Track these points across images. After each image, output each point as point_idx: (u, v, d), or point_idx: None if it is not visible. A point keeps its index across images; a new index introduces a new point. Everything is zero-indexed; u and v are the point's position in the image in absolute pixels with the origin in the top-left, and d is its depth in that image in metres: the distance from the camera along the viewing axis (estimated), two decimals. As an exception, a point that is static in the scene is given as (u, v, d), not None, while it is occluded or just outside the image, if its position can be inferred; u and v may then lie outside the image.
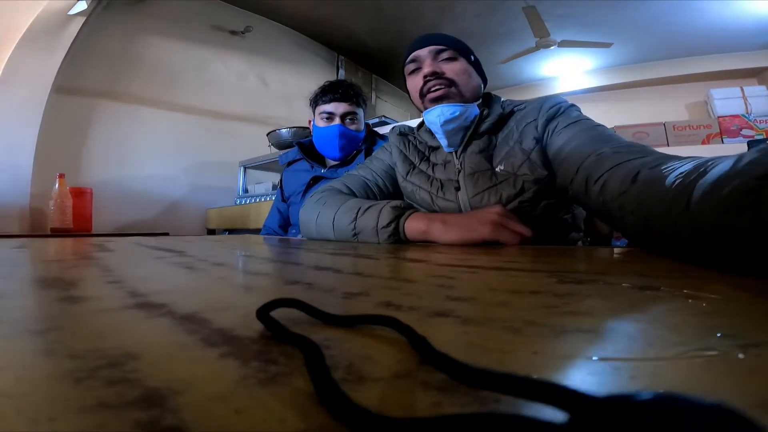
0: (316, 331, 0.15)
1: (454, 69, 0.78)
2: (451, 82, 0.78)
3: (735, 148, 2.93)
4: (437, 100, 0.78)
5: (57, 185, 1.81)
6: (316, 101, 1.25)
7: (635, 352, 0.13)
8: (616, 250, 0.53)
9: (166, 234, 2.06)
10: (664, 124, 3.18)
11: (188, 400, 0.09)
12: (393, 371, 0.11)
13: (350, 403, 0.08)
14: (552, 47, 3.17)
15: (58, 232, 1.77)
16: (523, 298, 0.22)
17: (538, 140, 0.73)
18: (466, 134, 0.79)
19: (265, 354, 0.13)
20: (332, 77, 3.48)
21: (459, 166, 0.80)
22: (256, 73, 2.94)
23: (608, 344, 0.14)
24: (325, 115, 1.22)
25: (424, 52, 0.80)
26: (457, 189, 0.79)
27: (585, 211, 0.72)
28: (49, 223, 1.80)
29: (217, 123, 2.71)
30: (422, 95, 0.80)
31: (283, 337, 0.14)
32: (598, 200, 0.55)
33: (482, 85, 0.84)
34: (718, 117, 3.08)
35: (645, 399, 0.06)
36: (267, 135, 2.33)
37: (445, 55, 0.79)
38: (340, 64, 3.55)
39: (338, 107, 1.20)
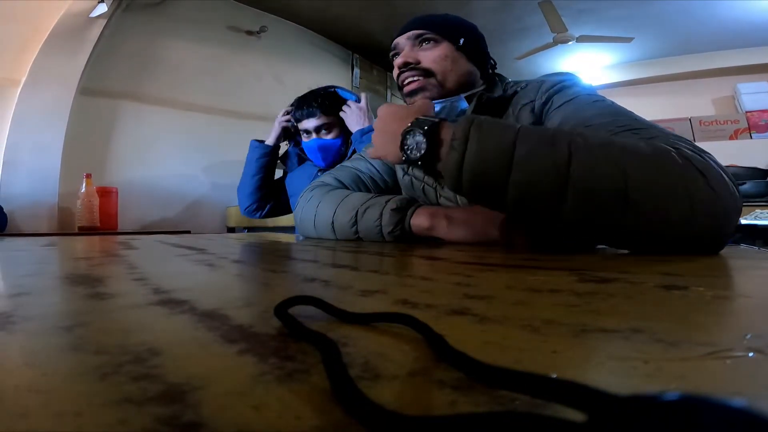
0: (333, 329, 0.15)
1: (431, 56, 0.69)
2: (427, 72, 0.69)
3: (764, 143, 2.82)
4: (412, 94, 0.70)
5: (84, 185, 1.86)
6: (295, 118, 1.31)
7: (659, 353, 0.12)
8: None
9: (188, 232, 2.10)
10: (689, 119, 3.08)
11: (207, 396, 0.09)
12: (409, 369, 0.11)
13: (366, 401, 0.08)
14: (570, 42, 3.10)
15: (85, 231, 1.83)
16: (542, 297, 0.22)
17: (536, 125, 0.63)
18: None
19: (283, 351, 0.13)
20: (347, 76, 3.49)
21: None
22: (273, 72, 2.97)
23: (631, 344, 0.13)
24: (304, 133, 1.29)
25: (402, 39, 0.72)
26: None
27: None
28: (77, 222, 1.86)
29: (236, 122, 2.75)
30: (400, 88, 0.72)
31: (301, 335, 0.14)
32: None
33: (477, 72, 0.74)
34: (746, 112, 2.97)
35: (667, 400, 0.06)
36: (284, 134, 2.35)
37: (425, 39, 0.70)
38: (354, 63, 3.55)
39: (309, 123, 1.26)
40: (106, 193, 2.02)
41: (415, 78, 0.69)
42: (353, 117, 1.21)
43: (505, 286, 0.26)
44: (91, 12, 2.01)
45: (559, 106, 0.61)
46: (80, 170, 1.91)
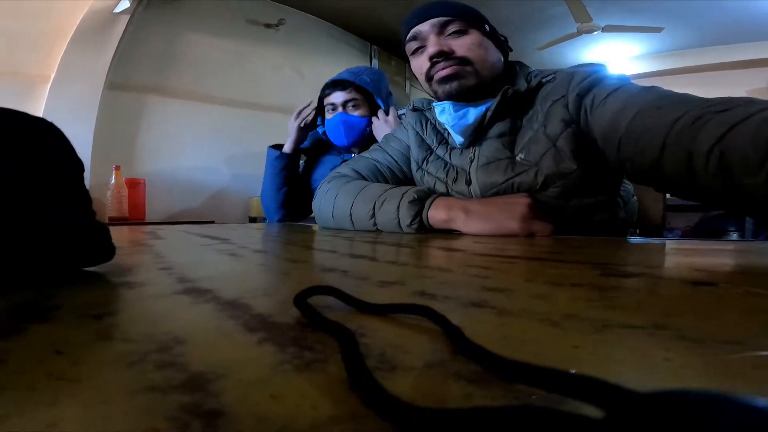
0: (350, 319, 0.16)
1: (464, 44, 0.66)
2: (463, 60, 0.66)
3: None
4: (446, 81, 0.67)
5: (114, 176, 1.93)
6: (322, 97, 1.26)
7: (683, 350, 0.12)
8: (670, 243, 0.50)
9: (212, 222, 2.16)
10: (724, 111, 2.93)
11: (229, 385, 0.10)
12: (426, 361, 0.12)
13: (382, 392, 0.09)
14: (596, 32, 2.99)
15: (115, 221, 1.90)
16: (563, 291, 0.21)
17: (569, 123, 0.61)
18: (484, 121, 0.67)
19: (302, 340, 0.13)
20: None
21: (472, 154, 0.69)
22: (292, 64, 2.99)
23: (654, 341, 0.13)
24: (330, 107, 1.24)
25: (425, 27, 0.68)
26: (468, 183, 0.69)
27: (679, 197, 0.49)
28: (107, 212, 1.93)
29: (256, 114, 2.79)
30: (429, 78, 0.69)
31: (319, 324, 0.14)
32: (715, 181, 0.40)
33: (502, 59, 0.71)
34: (782, 104, 2.81)
35: (686, 397, 0.06)
36: (304, 125, 2.37)
37: (451, 28, 0.66)
38: (373, 54, 3.54)
39: (337, 97, 1.22)
40: (134, 185, 2.08)
41: (451, 65, 0.66)
42: (380, 129, 1.18)
43: (524, 279, 0.25)
44: (114, 8, 2.06)
45: (605, 98, 0.57)
46: (109, 162, 1.98)
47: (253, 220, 2.58)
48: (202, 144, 2.58)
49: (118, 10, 2.06)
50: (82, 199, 0.26)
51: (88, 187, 0.26)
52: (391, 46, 3.59)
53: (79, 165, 0.26)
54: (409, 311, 0.16)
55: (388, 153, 0.84)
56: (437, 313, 0.15)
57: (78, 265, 0.25)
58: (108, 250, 0.27)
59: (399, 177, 0.82)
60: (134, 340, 0.13)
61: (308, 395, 0.09)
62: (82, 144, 2.07)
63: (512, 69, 0.72)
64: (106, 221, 1.92)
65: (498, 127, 0.67)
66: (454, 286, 0.23)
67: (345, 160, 1.24)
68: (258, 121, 2.78)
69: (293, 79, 2.96)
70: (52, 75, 2.03)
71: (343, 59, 3.31)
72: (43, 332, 0.14)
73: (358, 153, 1.26)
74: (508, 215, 0.57)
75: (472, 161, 0.69)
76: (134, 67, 2.31)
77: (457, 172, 0.71)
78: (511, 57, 0.75)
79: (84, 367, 0.11)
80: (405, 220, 0.63)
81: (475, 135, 0.69)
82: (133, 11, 2.14)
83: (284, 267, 0.33)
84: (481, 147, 0.69)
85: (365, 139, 1.23)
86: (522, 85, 0.67)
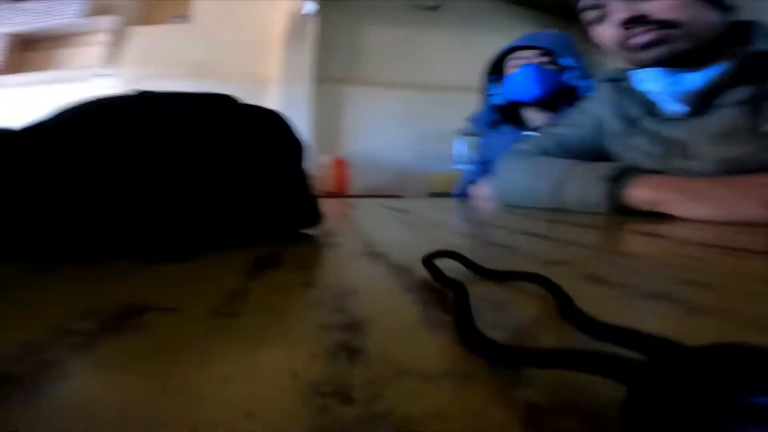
0: (472, 283, 0.16)
1: (663, 6, 0.54)
2: (666, 23, 0.54)
3: None
4: (650, 47, 0.55)
5: (325, 158, 2.33)
6: (503, 60, 1.16)
7: None
8: None
9: (400, 196, 2.37)
10: None
11: (375, 330, 0.12)
12: (536, 328, 0.12)
13: (485, 339, 0.10)
14: None
15: (329, 195, 2.29)
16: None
17: None
18: (713, 87, 0.55)
19: (444, 304, 0.15)
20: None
21: (698, 124, 0.58)
22: (459, 44, 3.05)
23: None
24: (514, 63, 1.12)
25: None
26: (689, 158, 0.57)
27: None
28: (319, 187, 2.35)
29: (431, 95, 3.03)
30: (623, 45, 0.58)
31: (440, 281, 0.16)
32: None
33: (723, 18, 0.57)
34: None
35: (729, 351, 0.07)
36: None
37: None
38: (547, 24, 3.14)
39: (524, 53, 1.11)
40: (341, 164, 2.47)
41: (650, 29, 0.55)
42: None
43: (746, 276, 0.20)
44: (305, 10, 2.47)
45: None
46: (322, 145, 2.42)
47: (434, 195, 2.71)
48: (387, 125, 2.91)
49: (307, 11, 2.46)
50: (302, 174, 0.34)
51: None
52: (565, 13, 3.08)
53: (300, 146, 0.34)
54: (527, 279, 0.17)
55: (575, 126, 0.75)
56: (552, 282, 0.15)
57: (297, 227, 0.33)
58: (318, 217, 0.33)
59: (590, 153, 0.71)
60: (322, 288, 0.17)
61: (433, 348, 0.11)
62: (303, 132, 2.61)
63: (742, 28, 0.56)
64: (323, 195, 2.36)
65: (736, 93, 0.54)
66: (635, 274, 0.20)
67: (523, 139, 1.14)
68: (434, 101, 2.98)
69: (462, 57, 3.03)
70: (272, 74, 2.59)
71: (512, 33, 3.07)
72: (271, 277, 0.19)
73: (543, 112, 1.14)
74: (748, 198, 0.43)
75: (696, 133, 0.56)
76: (331, 61, 2.79)
77: (672, 146, 0.59)
78: (747, 15, 0.58)
79: (288, 304, 0.15)
80: (597, 198, 0.55)
81: (702, 103, 0.56)
82: (321, 11, 2.56)
83: (452, 239, 0.35)
84: (712, 116, 0.55)
85: (558, 94, 1.09)
86: (758, 45, 0.53)
